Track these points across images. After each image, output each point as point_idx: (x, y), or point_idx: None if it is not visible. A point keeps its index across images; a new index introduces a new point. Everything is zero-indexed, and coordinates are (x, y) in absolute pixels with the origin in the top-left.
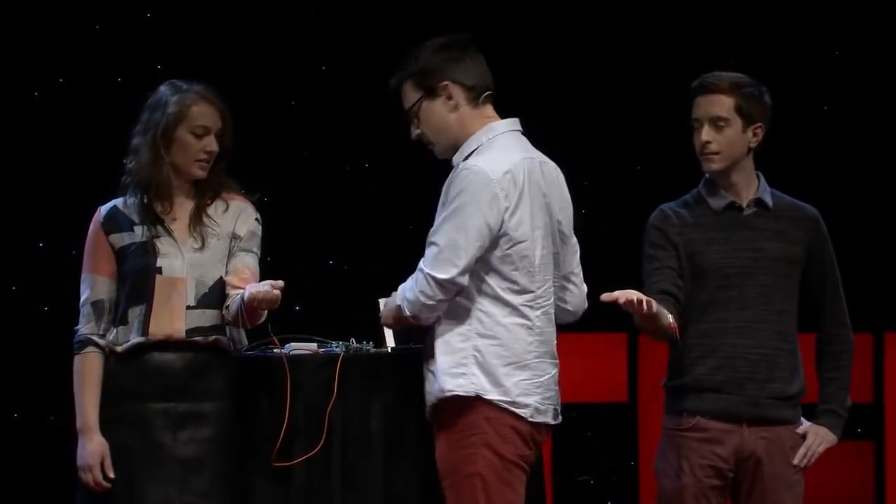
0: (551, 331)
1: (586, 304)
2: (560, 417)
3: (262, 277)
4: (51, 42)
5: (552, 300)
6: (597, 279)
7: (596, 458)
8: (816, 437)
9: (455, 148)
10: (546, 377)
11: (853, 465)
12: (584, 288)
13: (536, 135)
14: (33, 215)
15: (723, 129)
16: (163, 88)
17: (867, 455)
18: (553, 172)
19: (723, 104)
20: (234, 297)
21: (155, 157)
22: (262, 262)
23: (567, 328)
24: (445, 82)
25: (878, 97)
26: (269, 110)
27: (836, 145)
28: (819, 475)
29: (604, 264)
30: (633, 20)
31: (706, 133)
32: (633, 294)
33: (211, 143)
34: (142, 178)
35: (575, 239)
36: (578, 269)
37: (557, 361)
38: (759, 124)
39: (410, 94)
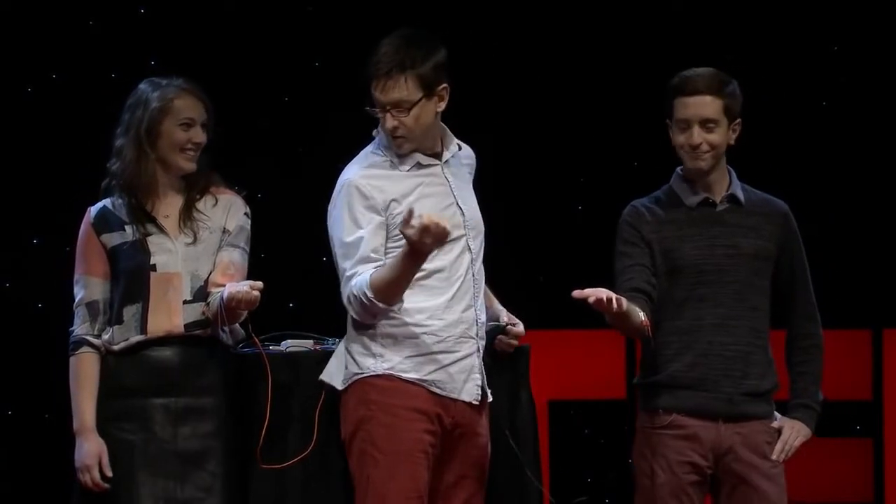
0: None
1: None
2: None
3: (257, 274)
4: (44, 37)
5: None
6: (592, 276)
7: (593, 455)
8: (793, 431)
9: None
10: None
11: (852, 463)
12: None
13: (533, 130)
14: (27, 211)
15: (712, 129)
16: (141, 86)
17: (866, 452)
18: None
19: (712, 106)
20: (216, 294)
21: (139, 155)
22: (257, 259)
23: (565, 325)
24: (444, 85)
25: (877, 93)
26: (262, 106)
27: (835, 141)
28: (818, 472)
29: (599, 261)
30: (629, 15)
31: (697, 135)
32: (602, 292)
33: (198, 135)
34: (127, 179)
35: None
36: None
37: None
38: (738, 120)
39: (412, 91)
